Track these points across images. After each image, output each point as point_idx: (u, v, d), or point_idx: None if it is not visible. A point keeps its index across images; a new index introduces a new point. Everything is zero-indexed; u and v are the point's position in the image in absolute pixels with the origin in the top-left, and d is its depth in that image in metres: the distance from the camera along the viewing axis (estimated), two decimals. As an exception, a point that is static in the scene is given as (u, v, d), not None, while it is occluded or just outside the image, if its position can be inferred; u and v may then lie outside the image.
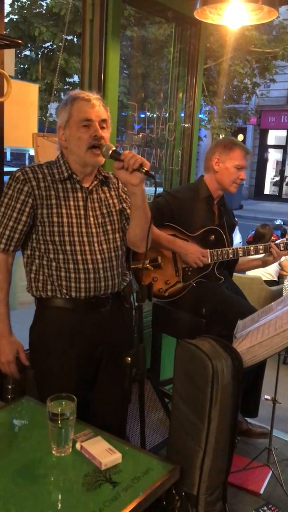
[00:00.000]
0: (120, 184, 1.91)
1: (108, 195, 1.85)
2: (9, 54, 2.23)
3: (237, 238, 8.47)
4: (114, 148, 1.66)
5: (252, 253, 2.55)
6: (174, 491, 1.55)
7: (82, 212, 1.75)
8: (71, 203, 1.74)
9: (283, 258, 4.58)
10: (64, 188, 1.74)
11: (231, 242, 2.59)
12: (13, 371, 1.79)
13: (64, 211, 1.72)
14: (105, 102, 1.77)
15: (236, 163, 2.45)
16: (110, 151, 1.65)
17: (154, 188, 1.71)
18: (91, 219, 1.76)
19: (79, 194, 1.76)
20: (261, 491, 2.36)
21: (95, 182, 1.80)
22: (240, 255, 2.52)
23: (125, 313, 1.90)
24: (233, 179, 2.47)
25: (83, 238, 1.73)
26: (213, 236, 2.51)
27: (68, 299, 1.74)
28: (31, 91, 2.47)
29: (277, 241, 2.61)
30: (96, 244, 1.75)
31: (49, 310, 1.78)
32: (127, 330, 1.89)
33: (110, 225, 1.82)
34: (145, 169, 1.61)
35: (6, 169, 2.13)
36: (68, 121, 1.71)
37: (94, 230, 1.76)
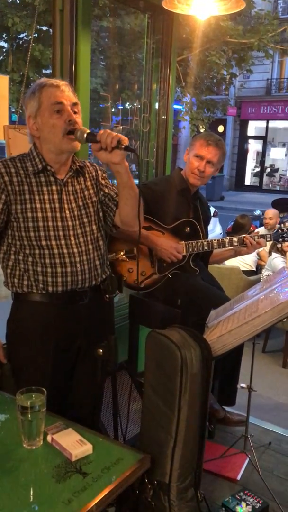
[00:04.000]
0: (99, 172, 1.88)
1: (83, 186, 1.81)
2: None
3: (217, 229, 8.53)
4: (88, 131, 1.62)
5: (227, 245, 2.57)
6: (146, 480, 1.58)
7: (57, 205, 1.72)
8: (46, 196, 1.71)
9: (261, 249, 4.63)
10: (38, 182, 1.71)
11: (206, 235, 2.61)
12: None
13: (38, 205, 1.69)
14: (73, 88, 1.74)
15: (196, 152, 2.46)
16: (85, 135, 1.61)
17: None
18: (67, 212, 1.73)
19: (54, 187, 1.73)
20: (238, 477, 2.40)
21: (70, 173, 1.77)
22: (215, 247, 2.54)
23: (105, 306, 1.88)
24: (191, 169, 2.48)
25: (59, 232, 1.71)
26: (188, 228, 2.52)
27: (45, 294, 1.72)
28: (1, 83, 2.44)
29: (252, 233, 2.63)
30: (72, 238, 1.73)
31: (25, 304, 1.76)
32: (107, 323, 1.88)
33: (87, 217, 1.79)
34: (124, 144, 1.58)
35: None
36: (39, 109, 1.67)
37: (70, 223, 1.73)
